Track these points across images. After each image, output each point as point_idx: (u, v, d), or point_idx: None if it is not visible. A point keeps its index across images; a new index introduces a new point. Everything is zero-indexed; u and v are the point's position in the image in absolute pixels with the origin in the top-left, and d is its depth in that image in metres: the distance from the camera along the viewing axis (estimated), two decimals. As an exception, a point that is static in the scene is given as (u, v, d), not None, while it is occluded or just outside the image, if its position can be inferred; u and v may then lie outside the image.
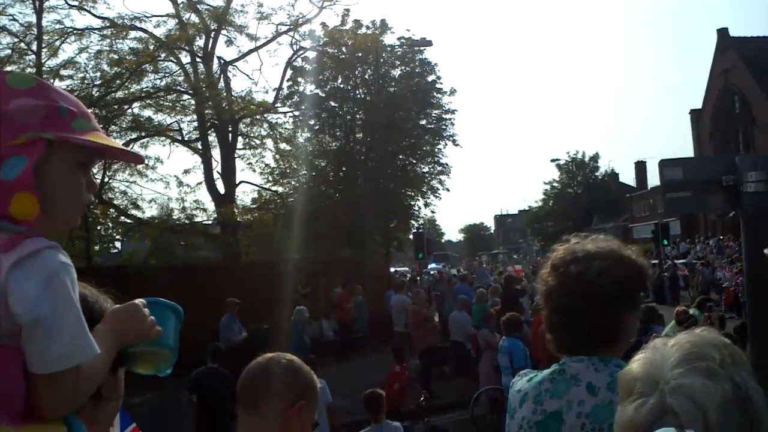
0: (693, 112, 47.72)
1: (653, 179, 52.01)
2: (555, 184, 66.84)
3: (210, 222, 21.97)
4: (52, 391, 1.20)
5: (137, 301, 1.39)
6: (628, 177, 70.61)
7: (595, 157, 65.99)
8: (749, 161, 4.31)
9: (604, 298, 1.92)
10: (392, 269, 30.32)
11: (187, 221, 20.85)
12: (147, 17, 20.73)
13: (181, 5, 21.24)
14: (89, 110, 1.40)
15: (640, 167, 63.03)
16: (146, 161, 20.58)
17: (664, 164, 4.67)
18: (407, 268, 41.03)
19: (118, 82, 19.37)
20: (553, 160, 64.68)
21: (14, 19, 19.09)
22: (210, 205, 21.63)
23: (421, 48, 28.23)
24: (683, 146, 70.45)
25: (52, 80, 18.66)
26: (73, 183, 1.33)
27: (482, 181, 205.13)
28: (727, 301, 22.65)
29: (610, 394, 1.84)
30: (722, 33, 43.08)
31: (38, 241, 1.22)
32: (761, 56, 38.80)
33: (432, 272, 31.88)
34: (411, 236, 28.10)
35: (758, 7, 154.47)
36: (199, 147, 22.11)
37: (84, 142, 1.30)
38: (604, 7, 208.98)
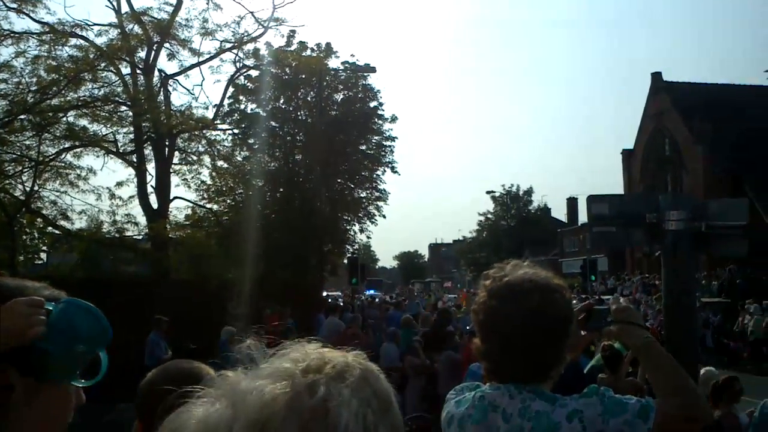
0: (625, 152, 48.93)
1: (584, 216, 53.35)
2: (489, 216, 67.70)
3: (141, 237, 21.52)
4: None
5: (31, 298, 1.32)
6: (560, 212, 72.21)
7: (529, 191, 67.00)
8: (671, 200, 4.55)
9: (550, 328, 1.96)
10: (324, 293, 30.17)
11: (117, 235, 20.37)
12: (89, 25, 20.28)
13: (125, 15, 20.93)
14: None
15: (572, 203, 64.22)
16: (79, 171, 20.21)
17: (592, 200, 4.88)
18: (339, 293, 40.91)
19: (54, 89, 18.85)
20: (488, 192, 65.59)
21: (-53, 20, 18.53)
22: (142, 220, 21.14)
23: (365, 74, 28.47)
24: (614, 185, 72.31)
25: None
26: None
27: (418, 209, 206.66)
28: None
29: (521, 421, 1.91)
30: (656, 77, 44.54)
31: None
32: (692, 101, 40.13)
33: (369, 298, 31.86)
34: (345, 260, 28.05)
35: (692, 54, 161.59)
36: (134, 160, 21.63)
37: None
38: (543, 43, 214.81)
